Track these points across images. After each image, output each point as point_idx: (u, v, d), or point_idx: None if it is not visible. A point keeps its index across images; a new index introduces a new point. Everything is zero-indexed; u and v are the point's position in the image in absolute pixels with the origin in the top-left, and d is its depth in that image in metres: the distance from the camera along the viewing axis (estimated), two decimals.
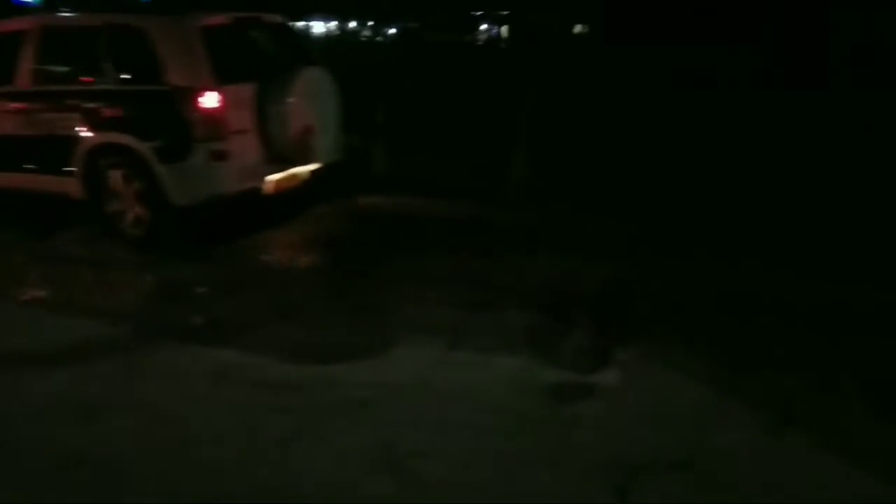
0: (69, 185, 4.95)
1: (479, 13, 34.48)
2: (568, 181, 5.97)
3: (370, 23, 37.12)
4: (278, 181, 4.92)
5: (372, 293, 4.02)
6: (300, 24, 40.19)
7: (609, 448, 2.60)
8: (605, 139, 7.34)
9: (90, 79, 4.91)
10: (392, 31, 34.82)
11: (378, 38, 34.72)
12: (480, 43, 31.65)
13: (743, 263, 4.23)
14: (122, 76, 4.82)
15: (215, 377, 3.11)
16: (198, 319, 3.78)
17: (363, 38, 35.78)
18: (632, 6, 16.35)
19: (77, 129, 4.85)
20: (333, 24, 40.67)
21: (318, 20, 41.55)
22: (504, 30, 32.85)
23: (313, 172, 5.17)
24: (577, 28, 27.00)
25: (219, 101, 4.56)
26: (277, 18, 5.53)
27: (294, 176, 5.05)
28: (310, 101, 5.02)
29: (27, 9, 11.13)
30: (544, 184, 5.87)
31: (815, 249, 4.36)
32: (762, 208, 5.21)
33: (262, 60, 5.38)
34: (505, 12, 32.10)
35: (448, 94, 10.44)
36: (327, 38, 37.33)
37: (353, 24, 38.61)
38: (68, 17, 5.29)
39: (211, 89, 4.54)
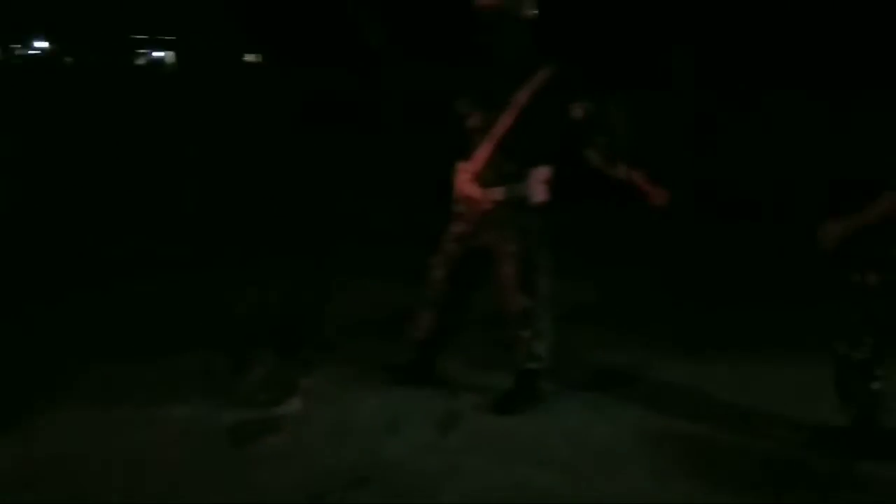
0: None
1: (143, 36, 31.96)
2: (235, 214, 5.80)
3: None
4: None
5: (5, 350, 3.38)
6: None
7: (291, 478, 2.52)
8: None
9: None
10: (31, 51, 30.32)
11: (12, 60, 29.83)
12: (141, 64, 29.44)
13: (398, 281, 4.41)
14: None
15: None
16: None
17: None
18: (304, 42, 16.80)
19: None
20: None
21: None
22: (169, 55, 31.01)
23: None
24: (250, 57, 26.66)
25: None
26: None
27: None
28: None
29: None
30: (215, 217, 5.64)
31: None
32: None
33: None
34: (171, 37, 30.38)
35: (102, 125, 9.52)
36: None
37: None
38: None
39: None
